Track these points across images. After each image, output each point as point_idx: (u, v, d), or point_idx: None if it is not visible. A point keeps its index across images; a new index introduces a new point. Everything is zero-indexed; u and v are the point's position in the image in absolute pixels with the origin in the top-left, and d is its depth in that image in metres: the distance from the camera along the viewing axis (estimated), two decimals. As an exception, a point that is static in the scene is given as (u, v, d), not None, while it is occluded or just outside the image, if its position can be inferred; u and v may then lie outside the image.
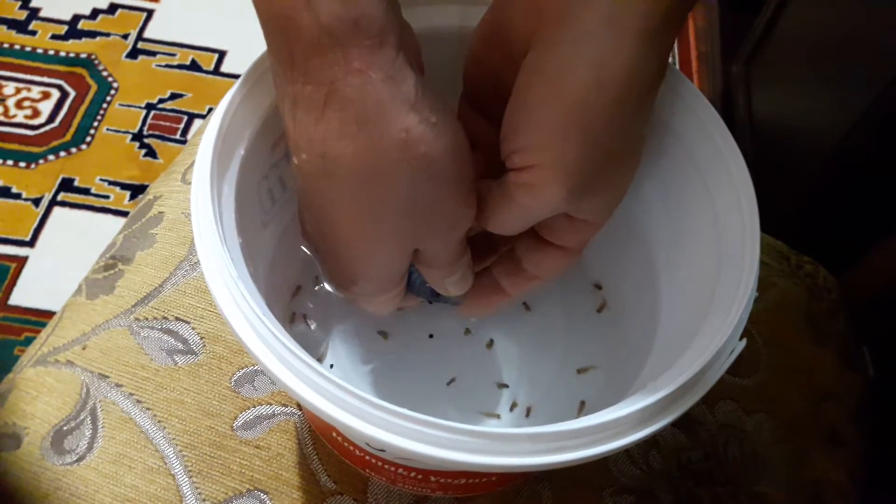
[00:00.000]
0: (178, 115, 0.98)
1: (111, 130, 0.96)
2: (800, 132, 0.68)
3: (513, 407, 0.35)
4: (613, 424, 0.23)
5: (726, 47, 0.86)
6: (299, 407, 0.35)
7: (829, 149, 0.59)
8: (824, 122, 0.61)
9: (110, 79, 1.00)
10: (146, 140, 0.96)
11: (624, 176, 0.27)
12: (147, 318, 0.37)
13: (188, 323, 0.37)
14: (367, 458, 0.31)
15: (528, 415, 0.34)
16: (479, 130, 0.29)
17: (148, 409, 0.35)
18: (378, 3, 0.23)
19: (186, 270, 0.38)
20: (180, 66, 1.02)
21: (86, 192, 0.92)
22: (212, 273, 0.24)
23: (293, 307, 0.35)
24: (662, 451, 0.36)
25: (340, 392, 0.22)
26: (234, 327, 0.23)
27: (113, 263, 0.39)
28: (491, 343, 0.36)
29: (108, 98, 0.99)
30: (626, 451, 0.36)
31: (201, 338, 0.36)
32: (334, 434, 0.31)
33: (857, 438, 0.40)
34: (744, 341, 0.25)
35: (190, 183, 0.42)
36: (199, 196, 0.25)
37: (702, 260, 0.29)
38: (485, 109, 0.29)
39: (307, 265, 0.35)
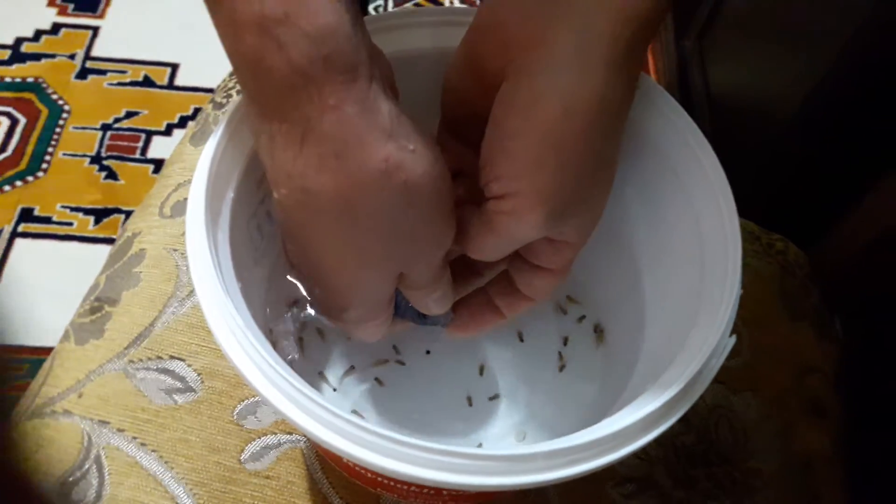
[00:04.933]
0: (136, 133, 0.96)
1: (68, 155, 0.94)
2: (757, 105, 0.69)
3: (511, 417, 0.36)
4: (624, 432, 0.24)
5: (678, 23, 0.88)
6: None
7: (787, 120, 0.60)
8: (780, 94, 0.63)
9: (61, 101, 0.98)
10: (105, 162, 0.94)
11: (599, 197, 0.27)
12: (141, 360, 0.37)
13: (183, 360, 0.37)
14: (378, 478, 0.31)
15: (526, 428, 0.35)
16: (459, 156, 0.29)
17: (153, 450, 0.35)
18: (347, 38, 0.23)
19: (175, 307, 0.38)
20: (133, 83, 1.00)
21: (47, 220, 0.90)
22: (217, 322, 0.25)
23: (287, 333, 0.36)
24: (658, 438, 0.38)
25: (355, 429, 0.23)
26: (247, 376, 0.24)
27: (99, 306, 0.39)
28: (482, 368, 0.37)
29: (61, 122, 0.96)
30: (625, 443, 0.37)
31: (198, 374, 0.36)
32: (344, 458, 0.32)
33: (837, 407, 0.42)
34: (734, 338, 0.26)
35: (169, 216, 0.42)
36: (196, 248, 0.25)
37: (685, 262, 0.30)
38: (463, 136, 0.29)
39: (296, 291, 0.35)
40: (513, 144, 0.25)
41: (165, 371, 0.37)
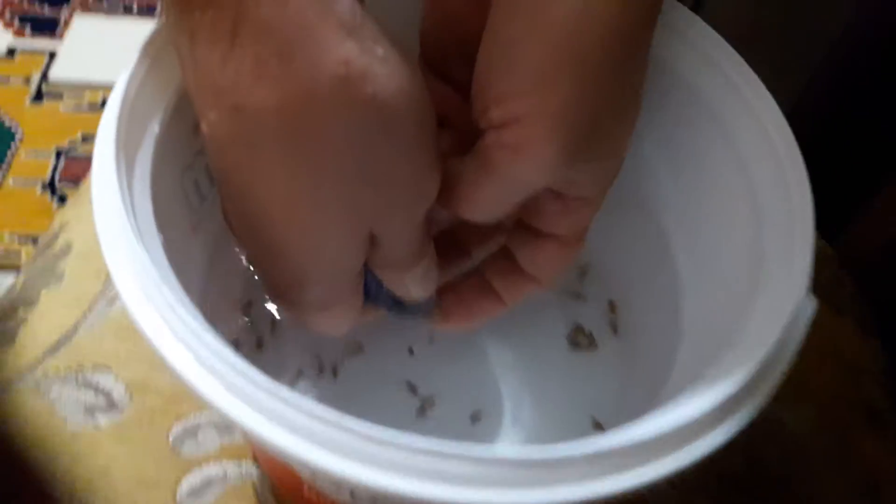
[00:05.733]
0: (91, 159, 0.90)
1: (18, 182, 0.87)
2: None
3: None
4: (693, 426, 0.17)
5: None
6: (257, 461, 0.28)
7: (788, 114, 0.56)
8: (776, 89, 0.59)
9: (13, 127, 0.91)
10: (59, 189, 0.87)
11: (622, 132, 0.21)
12: (58, 371, 0.30)
13: (110, 370, 0.30)
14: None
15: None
16: (443, 100, 0.23)
17: (64, 489, 0.27)
18: None
19: (104, 306, 0.31)
20: (91, 107, 0.94)
21: (-7, 250, 0.83)
22: (118, 266, 0.18)
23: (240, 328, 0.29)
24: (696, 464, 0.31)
25: (313, 421, 0.16)
26: (153, 340, 0.17)
27: (12, 309, 0.32)
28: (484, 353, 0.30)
29: (13, 147, 0.90)
30: (657, 464, 0.31)
31: (127, 388, 0.29)
32: (305, 492, 0.24)
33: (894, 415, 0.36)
34: (814, 300, 0.20)
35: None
36: (103, 172, 0.19)
37: (729, 217, 0.24)
38: (448, 73, 0.23)
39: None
40: (518, 52, 0.19)
41: (87, 384, 0.29)
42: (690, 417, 0.17)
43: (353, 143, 0.18)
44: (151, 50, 0.22)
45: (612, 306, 0.31)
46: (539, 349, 0.31)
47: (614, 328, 0.31)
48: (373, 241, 0.21)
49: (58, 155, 0.89)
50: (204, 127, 0.19)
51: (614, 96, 0.20)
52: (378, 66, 0.18)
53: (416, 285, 0.24)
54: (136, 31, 0.99)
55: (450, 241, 0.26)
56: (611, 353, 0.30)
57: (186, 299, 0.19)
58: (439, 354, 0.30)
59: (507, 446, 0.28)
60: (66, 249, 0.34)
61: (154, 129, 0.21)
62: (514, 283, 0.25)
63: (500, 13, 0.19)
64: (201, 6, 0.17)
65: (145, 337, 0.17)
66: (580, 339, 0.31)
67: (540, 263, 0.24)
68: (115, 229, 0.19)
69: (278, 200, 0.19)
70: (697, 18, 0.25)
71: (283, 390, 0.16)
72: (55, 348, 0.30)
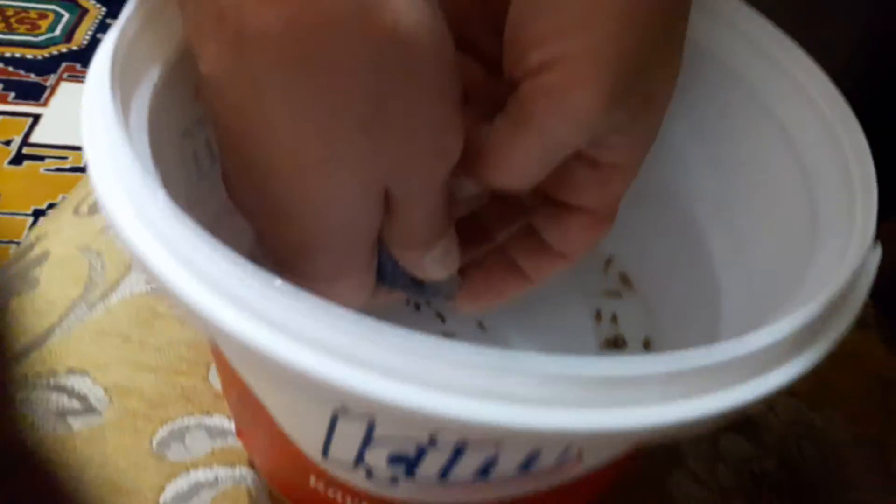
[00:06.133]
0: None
1: (-8, 241, 0.85)
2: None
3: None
4: (773, 348, 0.15)
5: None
6: (252, 465, 0.25)
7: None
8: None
9: (-10, 188, 0.90)
10: (35, 248, 0.85)
11: (664, 85, 0.20)
12: (27, 375, 0.27)
13: (87, 375, 0.27)
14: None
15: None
16: (468, 72, 0.22)
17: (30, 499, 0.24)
18: None
19: (83, 311, 0.29)
20: (73, 169, 0.92)
21: (-39, 312, 0.79)
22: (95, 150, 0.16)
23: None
24: (729, 464, 0.29)
25: (335, 331, 0.14)
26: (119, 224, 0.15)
27: (-22, 316, 0.29)
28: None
29: (-11, 208, 0.88)
30: (689, 470, 0.28)
31: (106, 391, 0.27)
32: (311, 482, 0.21)
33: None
34: (879, 246, 0.19)
35: (86, 214, 0.33)
36: (96, 98, 0.17)
37: (774, 193, 0.23)
38: (472, 44, 0.22)
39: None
40: None
41: (60, 388, 0.26)
42: (771, 340, 0.15)
43: (368, 78, 0.17)
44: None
45: (645, 311, 0.29)
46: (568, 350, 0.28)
47: (648, 334, 0.29)
48: (388, 208, 0.20)
49: (35, 216, 0.87)
50: (203, 67, 0.18)
51: (658, 41, 0.19)
52: None
53: (434, 267, 0.22)
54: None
55: (470, 223, 0.24)
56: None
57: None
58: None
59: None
60: (43, 257, 0.31)
61: (153, 76, 0.20)
62: (541, 259, 0.23)
63: None
64: None
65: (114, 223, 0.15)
66: (611, 345, 0.29)
67: (569, 239, 0.23)
68: (103, 110, 0.17)
69: (284, 147, 0.18)
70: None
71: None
72: (24, 353, 0.28)
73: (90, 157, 0.17)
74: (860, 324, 0.39)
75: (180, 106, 0.22)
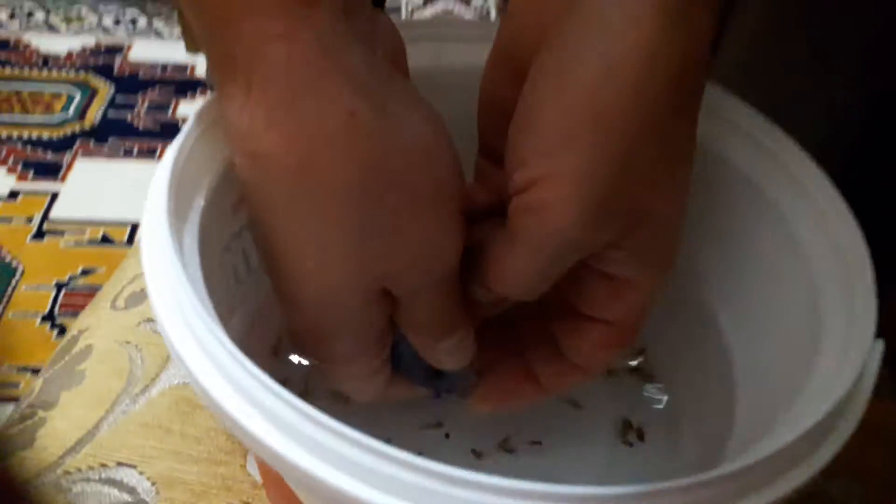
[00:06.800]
0: (92, 290, 0.90)
1: (18, 315, 0.87)
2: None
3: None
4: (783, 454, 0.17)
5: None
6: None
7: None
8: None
9: (14, 263, 0.92)
10: (59, 320, 0.87)
11: (664, 204, 0.20)
12: (80, 469, 0.29)
13: (134, 467, 0.29)
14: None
15: None
16: (501, 188, 0.22)
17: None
18: None
19: (127, 404, 0.31)
20: (91, 242, 0.95)
21: (-10, 384, 0.81)
22: (158, 289, 0.18)
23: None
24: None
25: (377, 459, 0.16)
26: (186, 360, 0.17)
27: (31, 412, 0.32)
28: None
29: (13, 282, 0.90)
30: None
31: (153, 483, 0.29)
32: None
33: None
34: (881, 341, 0.20)
35: (122, 308, 0.36)
36: (154, 237, 0.20)
37: (780, 289, 0.25)
38: (500, 155, 0.23)
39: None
40: (539, 117, 0.19)
41: (111, 482, 0.29)
42: (780, 445, 0.17)
43: (356, 193, 0.19)
44: (201, 122, 0.23)
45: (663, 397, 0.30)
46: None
47: (665, 421, 0.30)
48: (395, 301, 0.22)
49: (57, 288, 0.90)
50: (239, 175, 0.21)
51: (642, 159, 0.19)
52: (389, 123, 0.19)
53: (449, 356, 0.24)
54: (136, 172, 1.03)
55: (503, 326, 0.25)
56: (661, 444, 0.29)
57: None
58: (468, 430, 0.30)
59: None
60: (87, 352, 0.34)
61: (201, 199, 0.22)
62: (558, 370, 0.24)
63: (530, 80, 0.20)
64: (225, 65, 0.19)
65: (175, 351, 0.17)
66: (629, 435, 0.30)
67: (586, 351, 0.23)
68: (161, 252, 0.19)
69: (288, 248, 0.20)
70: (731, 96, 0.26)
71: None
72: (76, 447, 0.30)
73: (152, 291, 0.20)
74: (875, 392, 0.40)
75: (219, 225, 0.24)
